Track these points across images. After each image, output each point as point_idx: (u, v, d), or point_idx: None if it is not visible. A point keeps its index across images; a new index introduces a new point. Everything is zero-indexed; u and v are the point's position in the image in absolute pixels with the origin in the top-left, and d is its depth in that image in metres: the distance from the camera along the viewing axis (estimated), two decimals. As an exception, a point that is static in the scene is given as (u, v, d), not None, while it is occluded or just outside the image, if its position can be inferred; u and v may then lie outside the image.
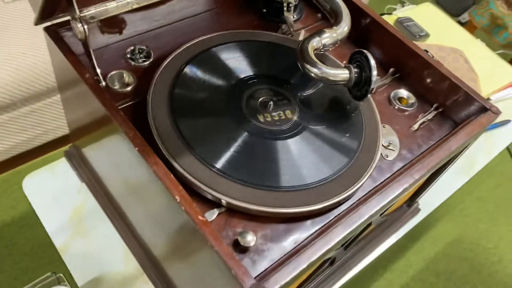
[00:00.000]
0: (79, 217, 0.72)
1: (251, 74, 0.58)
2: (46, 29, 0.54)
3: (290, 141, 0.52)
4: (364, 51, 0.53)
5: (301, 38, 0.68)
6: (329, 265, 0.68)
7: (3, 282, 0.98)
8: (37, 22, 0.51)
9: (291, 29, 0.67)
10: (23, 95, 1.05)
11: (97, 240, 0.70)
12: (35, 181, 0.75)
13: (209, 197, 0.47)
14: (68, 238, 0.70)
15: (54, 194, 0.74)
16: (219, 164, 0.48)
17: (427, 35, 1.09)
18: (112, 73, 0.56)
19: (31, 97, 1.08)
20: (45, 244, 1.10)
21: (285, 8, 0.67)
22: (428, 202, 0.85)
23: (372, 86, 0.52)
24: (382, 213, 0.62)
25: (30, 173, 0.76)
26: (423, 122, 0.61)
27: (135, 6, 0.57)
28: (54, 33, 0.53)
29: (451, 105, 0.62)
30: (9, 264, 1.05)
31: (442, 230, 1.42)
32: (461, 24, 1.73)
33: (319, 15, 0.72)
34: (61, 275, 0.66)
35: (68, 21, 0.53)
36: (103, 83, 0.52)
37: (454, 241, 1.40)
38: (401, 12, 1.18)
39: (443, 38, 1.10)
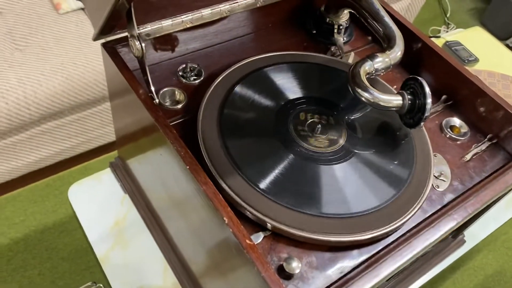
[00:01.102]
0: (120, 228, 0.73)
1: (300, 95, 0.58)
2: (104, 45, 0.55)
3: (337, 166, 0.51)
4: (419, 78, 0.52)
5: (350, 60, 0.67)
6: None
7: (41, 285, 1.00)
8: (96, 38, 0.53)
9: (341, 51, 0.66)
10: (71, 103, 1.09)
11: (137, 252, 0.71)
12: (81, 189, 0.76)
13: (255, 219, 0.47)
14: (109, 248, 0.71)
15: (97, 204, 0.75)
16: (266, 186, 0.48)
17: (476, 60, 1.06)
18: (164, 90, 0.57)
19: (78, 106, 1.11)
20: (83, 250, 1.11)
21: (335, 30, 0.67)
22: (474, 233, 0.82)
23: (426, 114, 0.51)
24: (429, 244, 0.60)
25: (76, 181, 0.78)
26: (476, 153, 0.59)
27: (188, 25, 0.58)
28: (111, 49, 0.54)
29: (505, 136, 0.59)
30: (48, 268, 1.07)
31: (482, 261, 1.36)
32: (510, 48, 1.68)
33: (369, 37, 0.71)
34: (101, 285, 0.66)
35: (124, 37, 0.55)
36: (157, 100, 0.53)
37: (495, 274, 1.34)
38: (449, 35, 1.16)
39: (493, 63, 1.07)
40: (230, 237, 0.42)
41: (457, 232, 0.74)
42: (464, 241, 0.79)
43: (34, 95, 1.02)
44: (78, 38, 1.14)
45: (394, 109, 0.53)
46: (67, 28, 1.15)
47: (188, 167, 0.45)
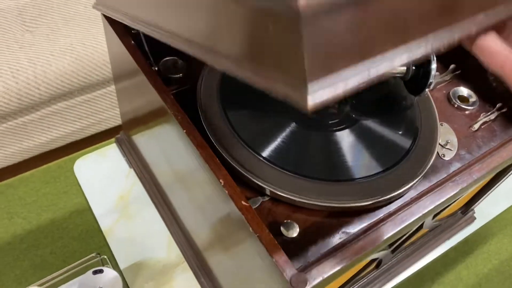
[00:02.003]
0: (125, 202, 0.73)
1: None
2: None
3: (340, 133, 0.50)
4: (424, 42, 0.50)
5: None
6: (375, 267, 0.65)
7: (53, 263, 1.01)
8: (95, 6, 0.53)
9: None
10: (81, 84, 1.09)
11: (141, 225, 0.71)
12: (86, 164, 0.77)
13: (254, 185, 0.46)
14: (114, 221, 0.71)
15: (103, 178, 0.75)
16: (265, 152, 0.47)
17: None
18: (165, 59, 0.56)
19: (87, 87, 1.12)
20: (93, 231, 1.12)
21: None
22: (485, 211, 0.80)
23: (430, 80, 0.49)
24: (435, 215, 0.59)
25: (82, 157, 0.78)
26: (485, 123, 0.57)
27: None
28: (110, 17, 0.54)
29: (516, 105, 0.57)
30: (59, 247, 1.08)
31: (497, 245, 1.33)
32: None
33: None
34: (105, 257, 0.67)
35: (125, 5, 0.54)
36: (155, 67, 0.53)
37: (510, 259, 1.31)
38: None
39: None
40: (226, 201, 0.41)
41: (467, 208, 0.72)
42: (474, 218, 0.77)
43: (44, 75, 1.03)
44: (87, 19, 1.14)
45: (399, 75, 0.51)
46: (76, 9, 1.16)
47: (185, 130, 0.44)
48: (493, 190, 0.68)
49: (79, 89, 1.11)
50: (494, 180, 0.65)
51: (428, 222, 0.59)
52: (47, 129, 1.13)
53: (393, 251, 0.63)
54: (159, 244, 0.70)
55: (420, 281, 1.23)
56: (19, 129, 1.09)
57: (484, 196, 0.69)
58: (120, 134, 0.78)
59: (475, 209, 0.77)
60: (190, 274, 0.67)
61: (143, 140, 0.68)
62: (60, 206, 1.16)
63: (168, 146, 0.55)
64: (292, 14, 0.22)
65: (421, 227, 0.60)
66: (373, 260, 0.57)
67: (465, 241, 1.30)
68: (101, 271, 0.62)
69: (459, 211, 0.73)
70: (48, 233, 1.07)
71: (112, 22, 0.54)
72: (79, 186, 0.76)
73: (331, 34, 0.23)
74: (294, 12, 0.22)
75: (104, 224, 0.71)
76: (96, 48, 1.09)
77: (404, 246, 0.66)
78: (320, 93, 0.24)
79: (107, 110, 1.22)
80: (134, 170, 0.76)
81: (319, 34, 0.23)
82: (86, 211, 1.11)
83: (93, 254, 0.67)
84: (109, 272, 0.61)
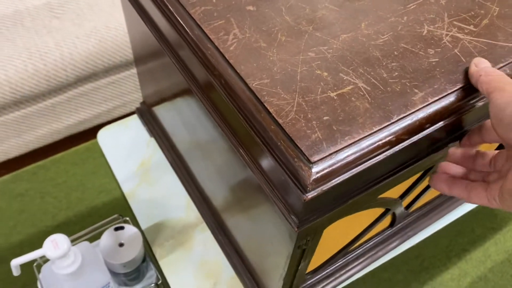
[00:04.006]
0: (146, 168, 0.76)
1: None
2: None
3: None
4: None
5: None
6: (389, 225, 0.65)
7: (82, 239, 1.04)
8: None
9: None
10: (105, 66, 1.13)
11: (162, 189, 0.73)
12: (109, 134, 0.80)
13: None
14: (136, 185, 0.74)
15: (125, 146, 0.78)
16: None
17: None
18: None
19: (112, 68, 1.16)
20: (120, 208, 1.16)
21: None
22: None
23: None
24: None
25: (105, 126, 0.81)
26: None
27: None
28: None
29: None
30: (89, 224, 1.12)
31: (527, 222, 1.29)
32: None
33: None
34: (127, 218, 0.69)
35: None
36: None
37: (542, 235, 1.27)
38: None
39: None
40: (245, 168, 0.42)
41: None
42: (495, 181, 0.76)
43: (70, 57, 1.08)
44: (111, 3, 1.18)
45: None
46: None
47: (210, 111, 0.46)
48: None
49: (104, 71, 1.15)
50: None
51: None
52: (74, 110, 1.17)
53: (407, 208, 0.63)
54: (179, 206, 0.72)
55: (446, 257, 1.21)
56: (48, 111, 1.14)
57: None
58: (141, 104, 0.81)
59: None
60: (208, 234, 0.69)
61: (164, 111, 0.70)
62: (88, 186, 1.21)
63: (189, 118, 0.56)
64: None
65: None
66: (386, 211, 0.57)
67: (494, 216, 1.27)
68: (122, 227, 0.65)
69: (478, 171, 0.71)
70: (78, 212, 1.12)
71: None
72: (108, 165, 0.79)
73: None
74: None
75: (126, 188, 0.74)
76: (119, 30, 1.12)
77: (419, 204, 0.66)
78: None
79: (132, 92, 1.25)
80: (155, 138, 0.78)
81: None
82: (114, 190, 1.16)
83: (115, 216, 0.69)
84: (129, 229, 0.64)
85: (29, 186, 1.15)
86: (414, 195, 0.60)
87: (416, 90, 0.39)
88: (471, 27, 0.45)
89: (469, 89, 0.40)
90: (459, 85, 0.40)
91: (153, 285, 0.66)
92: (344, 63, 0.40)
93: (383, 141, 0.36)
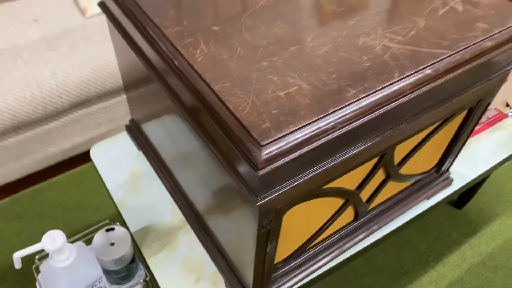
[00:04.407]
0: (135, 178, 0.83)
1: None
2: (103, 9, 0.66)
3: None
4: None
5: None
6: (354, 219, 0.73)
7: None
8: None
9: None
10: (97, 92, 1.22)
11: (149, 196, 0.81)
12: (101, 149, 0.88)
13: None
14: (125, 194, 0.81)
15: (115, 159, 0.86)
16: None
17: None
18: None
19: (104, 95, 1.24)
20: (112, 216, 1.23)
21: None
22: (461, 173, 0.87)
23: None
24: (400, 163, 0.66)
25: (97, 143, 0.89)
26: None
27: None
28: (111, 16, 0.66)
29: None
30: (85, 242, 1.18)
31: (500, 226, 1.37)
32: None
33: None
34: (118, 223, 0.76)
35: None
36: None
37: (515, 238, 1.34)
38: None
39: None
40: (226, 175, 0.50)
41: (439, 166, 0.79)
42: (451, 179, 0.84)
43: (65, 85, 1.16)
44: (103, 36, 1.28)
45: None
46: (93, 28, 1.30)
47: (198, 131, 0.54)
48: (458, 149, 0.76)
49: (97, 97, 1.24)
50: (456, 138, 0.72)
51: (394, 171, 0.67)
52: (69, 135, 1.25)
53: (368, 201, 0.70)
54: (164, 211, 0.79)
55: (425, 262, 1.28)
56: (45, 136, 1.22)
57: (452, 155, 0.76)
58: (129, 122, 0.89)
59: (453, 171, 0.84)
60: (191, 235, 0.76)
61: (149, 126, 0.78)
62: (84, 206, 1.29)
63: (175, 134, 0.64)
64: None
65: (388, 177, 0.67)
66: (346, 203, 0.65)
67: (469, 221, 1.35)
68: (112, 229, 0.72)
69: (433, 170, 0.79)
70: (75, 229, 1.18)
71: (113, 19, 0.65)
72: (102, 185, 0.85)
73: None
74: None
75: (116, 196, 0.81)
76: (110, 59, 1.22)
77: (381, 199, 0.74)
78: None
79: (124, 117, 1.34)
80: (143, 151, 0.86)
81: None
82: (108, 208, 1.24)
83: (107, 221, 0.76)
84: (119, 229, 0.71)
85: (27, 208, 1.21)
86: (372, 189, 0.68)
87: (349, 89, 0.47)
88: (400, 38, 0.54)
89: (395, 86, 0.49)
90: (386, 83, 0.48)
91: (141, 281, 0.72)
92: (291, 70, 0.49)
93: (321, 128, 0.44)
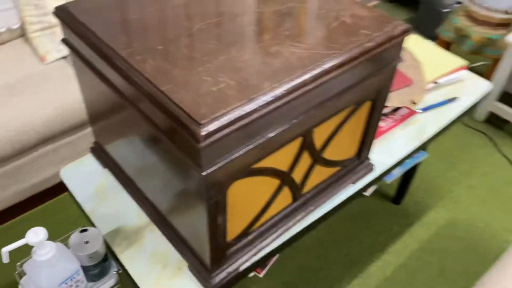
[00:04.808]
0: (102, 191, 0.95)
1: None
2: (66, 43, 0.80)
3: None
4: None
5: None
6: (292, 201, 0.87)
7: None
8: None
9: None
10: (61, 128, 1.33)
11: (116, 204, 0.92)
12: (70, 170, 0.99)
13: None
14: (94, 205, 0.92)
15: (83, 178, 0.97)
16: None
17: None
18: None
19: (68, 131, 1.36)
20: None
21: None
22: (380, 161, 1.03)
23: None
24: (322, 149, 0.81)
25: (66, 166, 1.00)
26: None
27: None
28: (72, 47, 0.80)
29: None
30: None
31: (435, 215, 1.54)
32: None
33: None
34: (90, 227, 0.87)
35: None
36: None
37: (448, 224, 1.52)
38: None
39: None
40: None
41: (360, 153, 0.95)
42: (372, 165, 1.00)
43: (31, 123, 1.27)
44: (63, 78, 1.40)
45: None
46: (53, 73, 1.43)
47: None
48: (372, 137, 0.92)
49: (61, 133, 1.35)
50: (367, 127, 0.89)
51: (318, 156, 0.82)
52: (37, 170, 1.35)
53: (302, 184, 0.85)
54: (131, 215, 0.90)
55: (371, 253, 1.43)
56: (14, 173, 1.31)
57: (368, 141, 0.93)
58: (94, 144, 1.01)
59: (374, 161, 1.01)
60: (156, 233, 0.88)
61: (113, 145, 0.91)
62: (55, 237, 1.39)
63: (135, 141, 0.77)
64: None
65: (315, 161, 0.83)
66: (282, 183, 0.79)
67: (407, 214, 1.53)
68: (86, 229, 0.82)
69: (354, 157, 0.96)
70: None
71: (73, 49, 0.79)
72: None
73: None
74: None
75: (87, 207, 0.92)
76: (70, 97, 1.34)
77: (313, 183, 0.89)
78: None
79: (86, 151, 1.44)
80: (108, 168, 0.98)
81: None
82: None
83: (80, 228, 0.87)
84: (92, 230, 0.82)
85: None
86: (303, 171, 0.83)
87: (266, 82, 0.63)
88: (303, 45, 0.71)
89: (300, 78, 0.65)
90: (293, 77, 0.64)
91: (114, 273, 0.83)
92: (221, 72, 0.64)
93: (246, 111, 0.59)
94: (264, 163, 0.71)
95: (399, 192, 1.54)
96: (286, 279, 1.33)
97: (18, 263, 0.84)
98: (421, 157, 1.31)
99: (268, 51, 0.69)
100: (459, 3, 2.09)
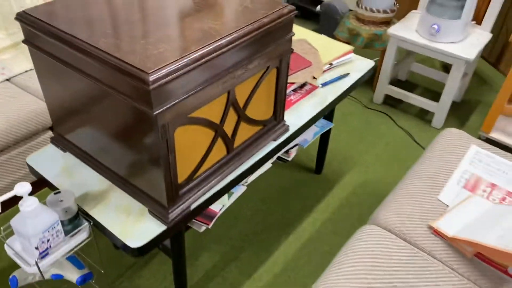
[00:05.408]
0: (67, 169, 1.12)
1: None
2: (28, 44, 0.99)
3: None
4: (200, 14, 1.01)
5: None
6: (227, 153, 1.10)
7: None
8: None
9: None
10: (14, 138, 1.47)
11: (80, 176, 1.09)
12: (35, 158, 1.15)
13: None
14: (62, 180, 1.09)
15: (48, 161, 1.14)
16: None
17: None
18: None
19: (19, 140, 1.50)
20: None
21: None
22: (294, 123, 1.30)
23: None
24: (244, 106, 1.05)
25: (31, 154, 1.16)
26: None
27: None
28: (35, 45, 0.99)
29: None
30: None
31: (350, 179, 1.84)
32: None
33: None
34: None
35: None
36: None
37: (361, 184, 1.82)
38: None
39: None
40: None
41: (275, 115, 1.20)
42: (288, 126, 1.26)
43: (-16, 135, 1.41)
44: (8, 96, 1.55)
45: None
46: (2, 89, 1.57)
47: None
48: (282, 101, 1.18)
49: (12, 144, 1.48)
50: (277, 92, 1.15)
51: (242, 113, 1.06)
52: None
53: (232, 137, 1.08)
54: (95, 183, 1.08)
55: (301, 214, 1.68)
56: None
57: (280, 106, 1.18)
58: (54, 134, 1.18)
59: (290, 124, 1.26)
60: (118, 191, 1.06)
61: (72, 132, 1.09)
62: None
63: (95, 125, 0.97)
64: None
65: (239, 117, 1.06)
66: (216, 135, 1.02)
67: (328, 181, 1.81)
68: (59, 192, 0.99)
69: (272, 118, 1.21)
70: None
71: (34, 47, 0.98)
72: (45, 181, 1.11)
73: None
74: None
75: (55, 182, 1.08)
76: (22, 110, 1.49)
77: (242, 138, 1.12)
78: None
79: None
80: (68, 151, 1.15)
81: None
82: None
83: (55, 191, 1.03)
84: (64, 191, 0.99)
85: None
86: (232, 126, 1.06)
87: (193, 46, 0.87)
88: (218, 22, 0.95)
89: (217, 43, 0.89)
90: (212, 42, 0.89)
91: (86, 224, 1.00)
92: (159, 42, 0.87)
93: (180, 65, 0.82)
94: (199, 113, 0.94)
95: (318, 162, 1.83)
96: (233, 243, 1.54)
97: (3, 227, 0.98)
98: (328, 126, 1.60)
99: (193, 27, 0.93)
100: (350, 10, 2.49)
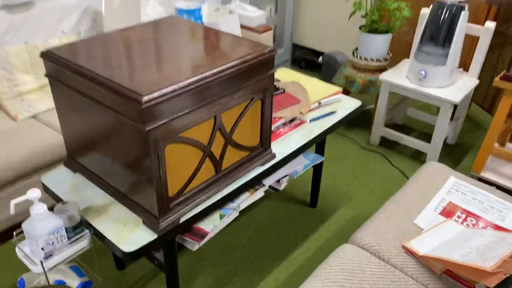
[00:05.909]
0: (75, 186, 1.27)
1: None
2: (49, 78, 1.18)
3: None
4: (193, 53, 1.19)
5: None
6: (215, 173, 1.23)
7: None
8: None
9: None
10: (33, 166, 1.64)
11: (87, 193, 1.24)
12: (48, 177, 1.31)
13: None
14: (70, 195, 1.24)
15: (59, 180, 1.29)
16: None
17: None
18: (83, 89, 1.20)
19: (38, 168, 1.67)
20: None
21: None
22: (280, 152, 1.43)
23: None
24: (231, 130, 1.20)
25: (45, 174, 1.32)
26: (238, 85, 1.24)
27: None
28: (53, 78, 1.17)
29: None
30: None
31: (343, 212, 1.93)
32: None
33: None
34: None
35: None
36: (78, 87, 1.15)
37: (353, 217, 1.91)
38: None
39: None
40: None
41: (262, 142, 1.34)
42: (274, 154, 1.40)
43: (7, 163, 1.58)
44: (31, 130, 1.74)
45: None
46: (25, 130, 1.76)
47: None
48: (268, 130, 1.33)
49: (32, 172, 1.66)
50: (262, 121, 1.30)
51: (229, 137, 1.21)
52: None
53: (220, 159, 1.22)
54: (98, 198, 1.23)
55: (294, 243, 1.76)
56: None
57: (265, 135, 1.33)
58: (66, 157, 1.35)
59: (277, 153, 1.40)
60: (118, 206, 1.20)
61: (82, 155, 1.25)
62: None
63: (100, 147, 1.14)
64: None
65: (227, 140, 1.21)
66: (204, 154, 1.16)
67: (321, 214, 1.92)
68: (66, 202, 1.14)
69: (259, 145, 1.35)
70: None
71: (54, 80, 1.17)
72: (56, 196, 1.27)
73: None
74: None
75: (64, 198, 1.23)
76: (43, 141, 1.67)
77: (231, 161, 1.26)
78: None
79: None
80: (78, 172, 1.31)
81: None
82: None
83: (62, 201, 1.17)
84: (70, 202, 1.14)
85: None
86: (220, 148, 1.21)
87: (182, 76, 1.04)
88: (209, 58, 1.13)
89: (204, 74, 1.06)
90: (199, 72, 1.05)
91: (87, 232, 1.13)
92: (153, 72, 1.04)
93: (169, 91, 0.99)
94: (189, 134, 1.09)
95: (312, 196, 1.94)
96: (227, 268, 1.64)
97: (15, 231, 1.12)
98: (318, 159, 1.72)
99: (186, 61, 1.11)
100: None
